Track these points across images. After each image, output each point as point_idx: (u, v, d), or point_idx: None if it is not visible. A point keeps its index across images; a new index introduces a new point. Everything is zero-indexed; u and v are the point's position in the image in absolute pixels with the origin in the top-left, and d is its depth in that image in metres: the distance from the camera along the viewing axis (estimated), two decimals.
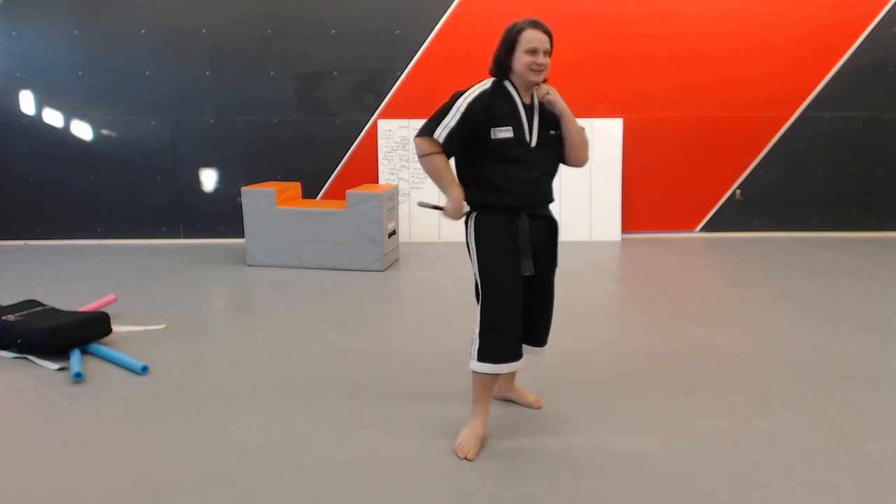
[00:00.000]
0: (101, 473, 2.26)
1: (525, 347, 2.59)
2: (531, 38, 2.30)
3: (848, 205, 6.40)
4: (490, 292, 2.36)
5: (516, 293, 2.37)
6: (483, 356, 2.36)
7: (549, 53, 2.35)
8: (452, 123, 2.29)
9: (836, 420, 2.60)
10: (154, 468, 2.28)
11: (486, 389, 2.43)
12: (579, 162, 2.50)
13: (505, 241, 2.34)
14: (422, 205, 2.50)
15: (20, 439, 2.51)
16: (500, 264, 2.35)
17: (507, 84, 2.38)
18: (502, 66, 2.37)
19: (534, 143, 2.36)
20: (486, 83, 2.38)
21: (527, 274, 2.34)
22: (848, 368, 3.12)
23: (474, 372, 2.40)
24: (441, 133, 2.29)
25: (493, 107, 2.32)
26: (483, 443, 2.41)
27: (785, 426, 2.55)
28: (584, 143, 2.47)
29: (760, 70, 6.14)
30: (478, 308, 2.40)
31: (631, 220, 6.39)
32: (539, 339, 2.60)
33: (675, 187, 6.38)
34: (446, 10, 6.00)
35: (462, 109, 2.30)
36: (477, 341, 2.37)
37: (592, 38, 6.09)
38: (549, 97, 2.37)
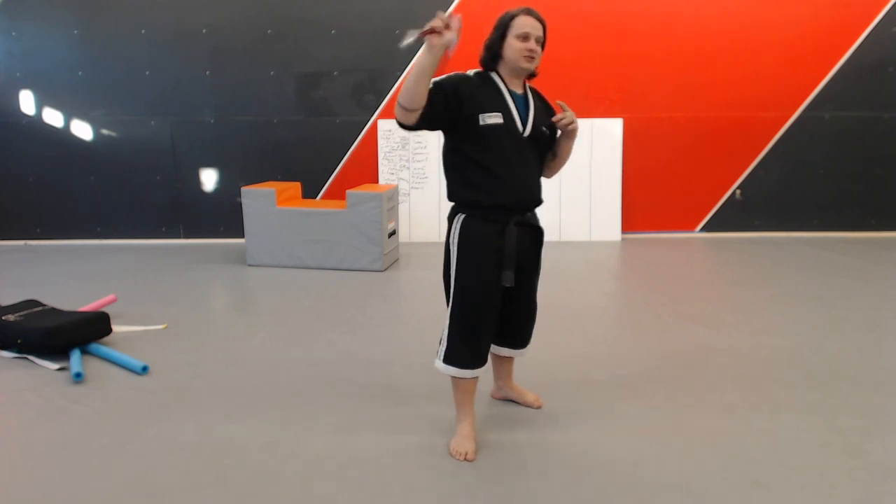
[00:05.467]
0: (101, 473, 2.26)
1: (508, 350, 2.61)
2: (523, 23, 2.26)
3: (848, 205, 6.40)
4: (463, 300, 2.31)
5: (491, 304, 2.32)
6: (449, 359, 2.35)
7: (541, 42, 2.30)
8: (430, 87, 2.15)
9: (836, 420, 2.60)
10: (154, 468, 2.28)
11: (466, 394, 2.42)
12: (549, 175, 2.53)
13: (489, 252, 2.28)
14: (412, 36, 2.15)
15: (20, 439, 2.51)
16: (479, 274, 2.29)
17: (494, 75, 2.33)
18: (493, 54, 2.32)
19: (527, 133, 2.29)
20: (470, 72, 2.33)
21: (507, 285, 2.29)
22: (848, 368, 3.12)
23: (452, 378, 2.40)
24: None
25: (476, 92, 2.24)
26: (477, 443, 2.39)
27: (785, 426, 2.55)
28: (565, 164, 2.51)
29: (760, 70, 6.14)
30: (447, 309, 2.36)
31: (631, 220, 6.39)
32: (520, 343, 2.60)
33: (675, 187, 6.38)
34: (446, 10, 5.98)
35: (439, 79, 2.20)
36: (445, 343, 2.36)
37: (592, 38, 6.10)
38: (573, 126, 2.33)
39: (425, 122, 2.18)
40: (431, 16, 2.11)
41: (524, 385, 2.83)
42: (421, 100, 2.10)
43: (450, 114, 2.21)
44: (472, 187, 2.29)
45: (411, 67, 2.12)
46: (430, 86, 2.14)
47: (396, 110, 2.15)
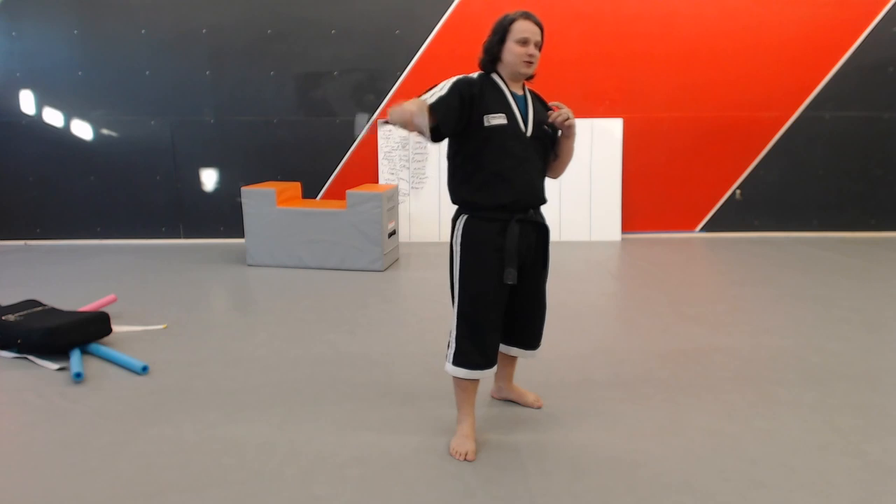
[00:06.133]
0: (101, 473, 2.26)
1: (518, 350, 2.60)
2: (523, 28, 2.28)
3: (848, 205, 6.40)
4: (466, 301, 2.33)
5: (495, 303, 2.34)
6: (457, 361, 2.36)
7: (539, 46, 2.32)
8: (442, 93, 2.22)
9: (836, 420, 2.60)
10: (154, 468, 2.28)
11: (468, 394, 2.42)
12: (554, 175, 2.53)
13: (490, 251, 2.30)
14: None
15: (20, 439, 2.51)
16: (481, 274, 2.31)
17: (495, 76, 2.35)
18: (492, 57, 2.34)
19: (529, 133, 2.32)
20: (473, 75, 2.36)
21: (509, 283, 2.30)
22: (848, 368, 3.12)
23: (454, 378, 2.40)
24: (430, 98, 2.21)
25: (482, 93, 2.27)
26: (477, 443, 2.39)
27: (785, 426, 2.56)
28: (569, 163, 2.51)
29: (760, 70, 6.14)
30: (454, 311, 2.38)
31: (631, 220, 6.39)
32: (530, 343, 2.60)
33: (675, 187, 6.38)
34: (446, 10, 5.99)
35: (450, 83, 2.25)
36: (453, 345, 2.37)
37: (592, 38, 6.10)
38: (569, 122, 2.32)
39: (446, 125, 2.20)
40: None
41: (524, 385, 2.84)
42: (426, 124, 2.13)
43: (467, 113, 2.24)
44: (476, 188, 2.31)
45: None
46: (444, 91, 2.20)
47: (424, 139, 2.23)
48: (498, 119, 2.26)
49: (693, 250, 5.94)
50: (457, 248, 2.36)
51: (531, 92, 2.44)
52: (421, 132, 2.12)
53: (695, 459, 2.32)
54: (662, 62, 6.14)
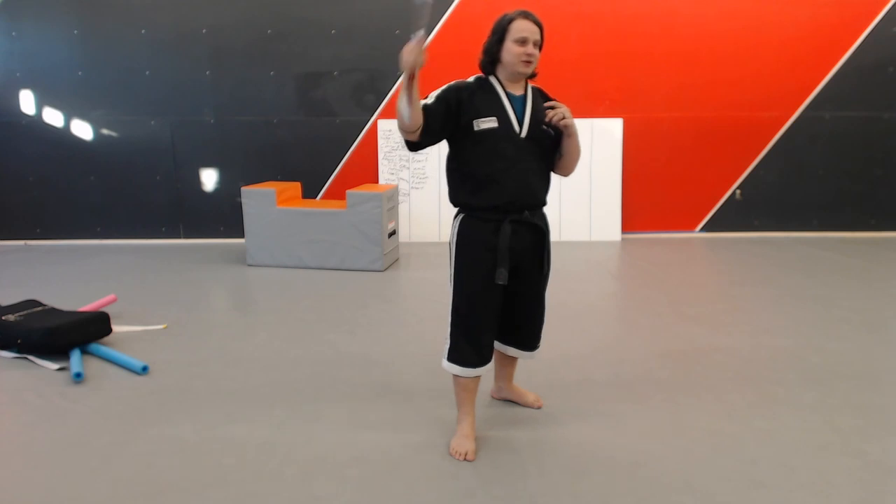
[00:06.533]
0: (101, 473, 2.26)
1: (516, 351, 2.61)
2: (521, 27, 2.28)
3: (848, 205, 6.40)
4: (461, 300, 2.36)
5: (489, 303, 2.35)
6: (452, 358, 2.38)
7: (539, 45, 2.31)
8: (429, 101, 2.27)
9: (836, 420, 2.60)
10: (154, 468, 2.28)
11: (468, 393, 2.43)
12: (565, 173, 2.51)
13: (484, 251, 2.31)
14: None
15: (20, 439, 2.51)
16: (474, 274, 2.32)
17: (492, 79, 2.35)
18: (491, 58, 2.34)
19: (524, 134, 2.31)
20: (470, 79, 2.37)
21: (500, 283, 2.30)
22: (848, 368, 3.12)
23: (454, 377, 2.41)
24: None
25: (473, 98, 2.28)
26: (477, 443, 2.40)
27: (784, 426, 2.56)
28: (577, 160, 2.48)
29: (760, 70, 6.14)
30: (449, 309, 2.39)
31: (631, 220, 6.39)
32: (528, 344, 2.60)
33: (675, 187, 6.38)
34: (446, 10, 6.00)
35: (439, 91, 2.30)
36: (448, 342, 2.39)
37: (592, 37, 6.10)
38: (565, 121, 2.30)
39: (429, 134, 2.25)
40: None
41: (524, 384, 2.84)
42: (417, 117, 2.18)
43: (453, 122, 2.27)
44: (469, 190, 2.33)
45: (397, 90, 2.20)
46: (432, 100, 2.25)
47: (401, 134, 2.27)
48: (488, 123, 2.27)
49: (693, 250, 5.94)
50: (452, 248, 2.39)
51: (536, 90, 2.42)
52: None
53: (695, 459, 2.32)
54: (662, 62, 6.14)
